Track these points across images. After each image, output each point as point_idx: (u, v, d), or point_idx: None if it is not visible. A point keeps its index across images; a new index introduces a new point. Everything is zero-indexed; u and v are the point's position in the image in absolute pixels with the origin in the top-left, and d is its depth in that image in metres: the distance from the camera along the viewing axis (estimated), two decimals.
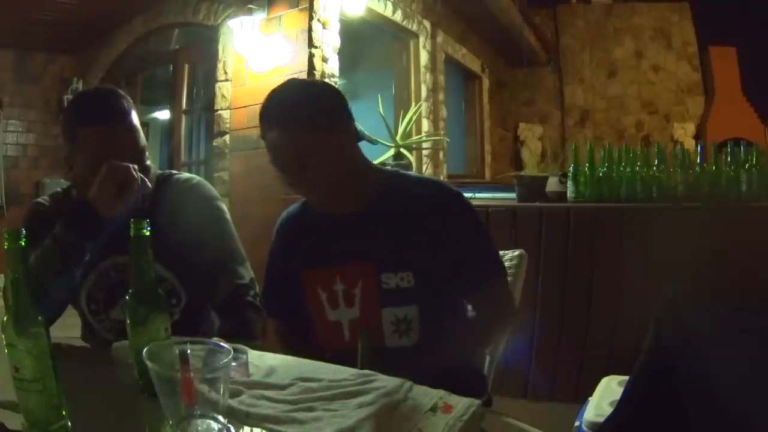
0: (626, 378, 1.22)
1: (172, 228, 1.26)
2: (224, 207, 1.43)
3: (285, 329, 1.39)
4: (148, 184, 1.25)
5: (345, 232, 1.23)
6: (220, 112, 3.49)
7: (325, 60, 3.14)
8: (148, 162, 1.30)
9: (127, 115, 1.25)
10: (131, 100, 1.29)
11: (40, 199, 1.40)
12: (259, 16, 3.22)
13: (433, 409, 0.82)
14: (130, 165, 1.20)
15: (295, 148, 1.15)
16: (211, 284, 1.33)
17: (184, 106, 4.16)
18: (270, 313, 1.36)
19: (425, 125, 4.54)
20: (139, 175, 1.22)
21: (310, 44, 3.05)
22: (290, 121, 1.15)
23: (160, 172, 1.43)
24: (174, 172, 1.46)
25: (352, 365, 0.99)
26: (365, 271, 1.19)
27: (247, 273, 1.36)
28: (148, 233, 0.86)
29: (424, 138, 4.16)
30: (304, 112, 1.15)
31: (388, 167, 1.39)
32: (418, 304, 1.19)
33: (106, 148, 1.21)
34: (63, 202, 1.37)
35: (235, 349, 0.81)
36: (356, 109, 1.29)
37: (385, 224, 1.21)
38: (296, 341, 1.34)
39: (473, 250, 1.23)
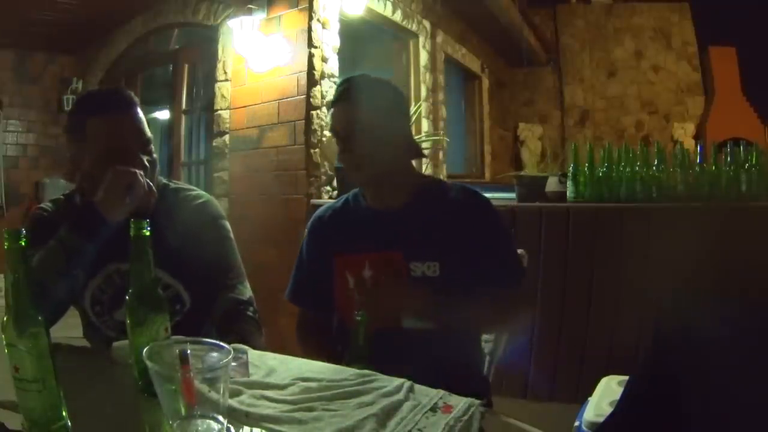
0: (626, 378, 1.22)
1: (178, 241, 1.30)
2: (228, 226, 1.46)
3: (307, 319, 1.45)
4: (154, 191, 1.29)
5: (380, 225, 1.34)
6: (219, 112, 3.49)
7: (324, 60, 3.15)
8: (155, 155, 1.34)
9: (134, 105, 1.30)
10: (136, 97, 1.34)
11: (42, 205, 1.41)
12: (259, 16, 3.22)
13: (433, 409, 0.83)
14: (137, 171, 1.24)
15: (352, 120, 1.29)
16: (212, 300, 1.36)
17: (183, 106, 4.16)
18: (296, 300, 1.45)
19: (425, 125, 4.54)
20: (145, 180, 1.25)
21: (310, 44, 3.05)
22: (354, 98, 1.30)
23: (166, 181, 1.45)
24: (183, 186, 1.48)
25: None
26: (395, 260, 1.27)
27: (247, 291, 1.39)
28: (148, 233, 0.86)
29: (423, 138, 4.16)
30: (367, 95, 1.31)
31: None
32: (441, 293, 1.24)
33: (115, 137, 1.26)
34: (66, 208, 1.38)
35: (235, 349, 0.81)
36: None
37: (418, 220, 1.30)
38: (315, 333, 1.41)
39: (495, 255, 1.29)
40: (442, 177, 4.51)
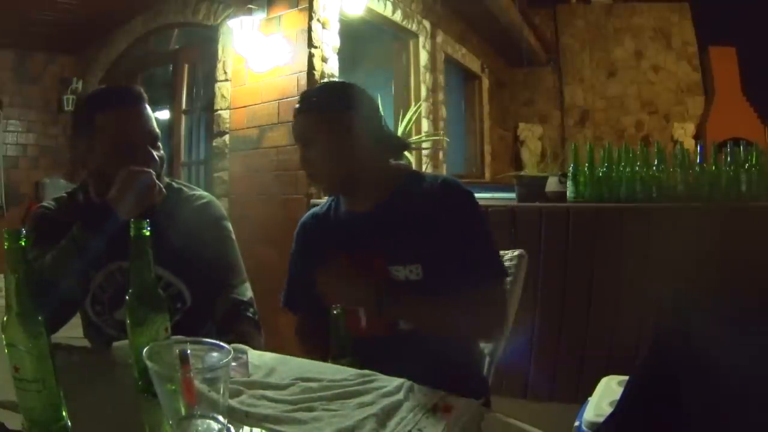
0: (626, 378, 1.22)
1: (181, 240, 1.31)
2: (230, 227, 1.47)
3: (304, 323, 1.43)
4: (164, 191, 1.31)
5: (361, 227, 1.30)
6: (219, 112, 3.49)
7: (324, 60, 3.15)
8: (162, 151, 1.35)
9: (143, 100, 1.32)
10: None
11: (45, 203, 1.41)
12: (259, 16, 3.22)
13: (433, 409, 0.83)
14: (151, 170, 1.26)
15: (301, 131, 1.29)
16: (212, 299, 1.37)
17: (183, 106, 4.16)
18: (290, 306, 1.42)
19: (425, 125, 4.54)
20: (157, 181, 1.27)
21: (310, 44, 3.05)
22: (308, 107, 1.29)
23: (168, 180, 1.45)
24: (186, 186, 1.49)
25: (368, 349, 1.07)
26: (376, 263, 1.23)
27: (248, 292, 1.40)
28: (148, 233, 0.86)
29: (423, 138, 4.16)
30: (319, 101, 1.30)
31: (403, 166, 1.45)
32: (423, 296, 1.21)
33: (125, 131, 1.27)
34: (68, 206, 1.38)
35: (235, 349, 0.81)
36: None
37: (397, 219, 1.26)
38: (314, 336, 1.36)
39: (471, 251, 1.23)
40: None
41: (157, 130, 1.34)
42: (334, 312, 1.09)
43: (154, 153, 1.31)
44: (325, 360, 1.10)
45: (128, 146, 1.27)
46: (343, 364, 1.05)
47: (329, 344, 1.12)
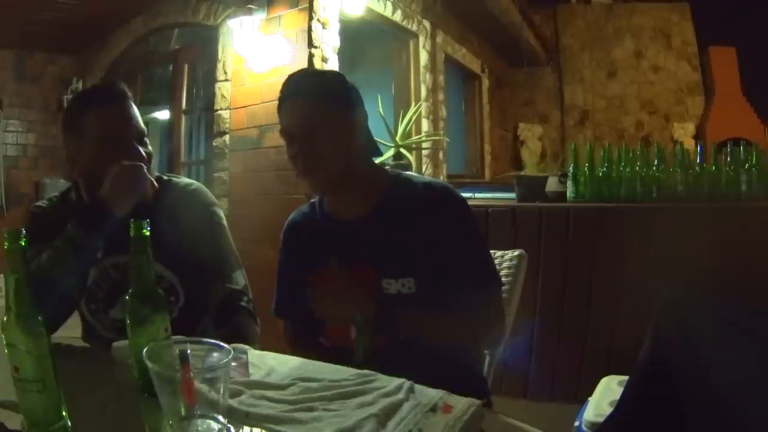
0: (626, 378, 1.22)
1: (171, 230, 1.29)
2: (221, 213, 1.46)
3: (295, 330, 1.39)
4: (155, 183, 1.33)
5: (348, 237, 1.25)
6: (219, 112, 3.49)
7: (324, 60, 3.14)
8: (150, 147, 1.36)
9: (127, 98, 1.33)
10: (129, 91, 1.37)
11: (39, 203, 1.41)
12: (259, 16, 3.22)
13: (433, 409, 0.83)
14: (142, 164, 1.27)
15: (306, 116, 1.19)
16: (206, 291, 1.36)
17: (183, 106, 4.16)
18: (281, 314, 1.38)
19: (425, 125, 4.54)
20: (148, 174, 1.29)
21: (310, 44, 3.05)
22: (308, 91, 1.21)
23: (158, 174, 1.45)
24: (174, 176, 1.49)
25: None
26: (367, 276, 1.19)
27: (242, 279, 1.39)
28: (148, 233, 0.86)
29: (423, 138, 4.16)
30: (323, 86, 1.23)
31: (388, 168, 1.41)
32: (415, 309, 1.18)
33: (109, 127, 1.28)
34: (62, 205, 1.39)
35: (235, 349, 0.81)
36: None
37: (387, 229, 1.20)
38: (306, 342, 1.33)
39: (468, 259, 1.21)
40: (442, 177, 4.52)
41: (143, 126, 1.35)
42: (357, 318, 1.07)
43: (141, 149, 1.31)
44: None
45: (114, 144, 1.28)
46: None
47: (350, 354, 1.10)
